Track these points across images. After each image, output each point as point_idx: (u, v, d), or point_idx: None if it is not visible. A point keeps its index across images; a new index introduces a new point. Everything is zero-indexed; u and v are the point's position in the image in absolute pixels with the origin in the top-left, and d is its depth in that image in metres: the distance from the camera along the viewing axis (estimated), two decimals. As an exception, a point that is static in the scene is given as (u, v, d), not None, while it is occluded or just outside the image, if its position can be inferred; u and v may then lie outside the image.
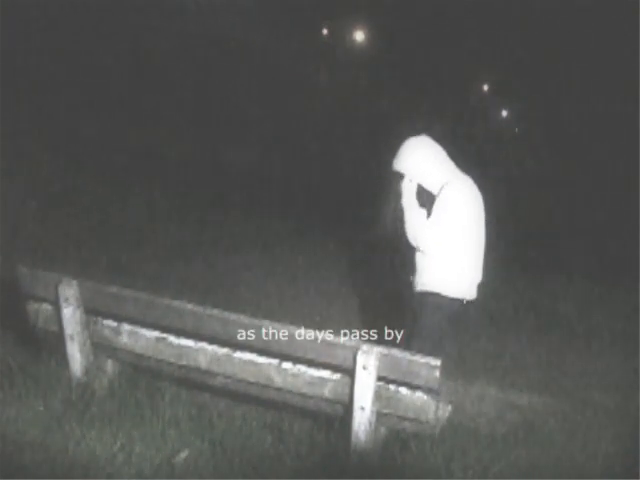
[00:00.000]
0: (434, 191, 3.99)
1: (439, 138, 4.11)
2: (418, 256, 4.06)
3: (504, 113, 39.80)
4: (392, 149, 4.13)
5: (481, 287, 4.12)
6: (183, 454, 3.52)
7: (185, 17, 22.52)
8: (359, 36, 33.79)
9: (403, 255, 4.17)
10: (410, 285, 4.12)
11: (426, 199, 4.02)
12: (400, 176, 4.05)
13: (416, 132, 4.15)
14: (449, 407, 3.82)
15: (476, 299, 4.11)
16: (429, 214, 4.00)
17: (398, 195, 4.06)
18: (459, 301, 4.02)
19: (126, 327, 3.96)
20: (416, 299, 4.08)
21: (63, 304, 3.93)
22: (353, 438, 3.53)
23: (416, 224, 4.00)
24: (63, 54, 15.25)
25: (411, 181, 4.04)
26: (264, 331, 3.63)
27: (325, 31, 32.72)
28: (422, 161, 4.01)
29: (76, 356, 4.00)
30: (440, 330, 4.02)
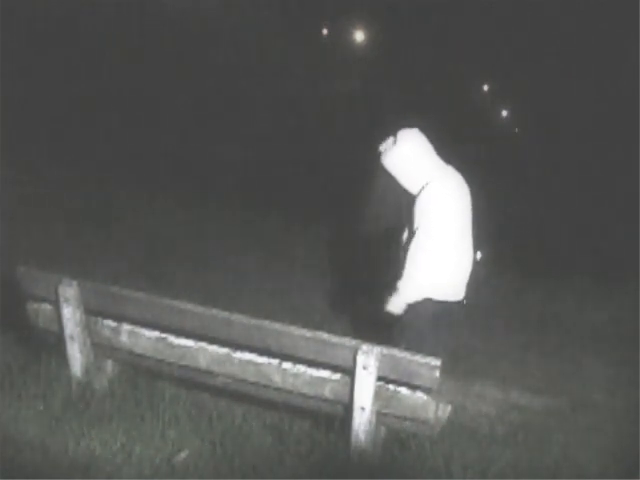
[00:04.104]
0: (414, 191, 3.89)
1: (431, 136, 4.04)
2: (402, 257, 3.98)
3: (504, 113, 39.80)
4: (383, 141, 4.02)
5: (469, 286, 4.09)
6: (183, 454, 3.52)
7: (183, 16, 22.51)
8: (359, 36, 33.79)
9: (387, 255, 4.14)
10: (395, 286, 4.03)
11: (404, 199, 3.93)
12: (385, 171, 3.94)
13: (408, 125, 4.02)
14: (449, 407, 3.82)
15: (463, 299, 4.07)
16: (408, 216, 3.91)
17: (382, 190, 4.00)
18: (444, 303, 3.97)
19: (126, 327, 3.96)
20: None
21: (63, 304, 3.93)
22: (353, 438, 3.53)
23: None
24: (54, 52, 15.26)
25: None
26: (264, 331, 3.63)
27: (325, 31, 32.72)
28: (405, 159, 3.87)
29: (76, 356, 4.01)
30: (425, 332, 3.96)
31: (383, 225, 4.09)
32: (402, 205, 3.97)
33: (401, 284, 3.90)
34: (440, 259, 3.87)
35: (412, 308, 3.96)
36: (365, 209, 4.12)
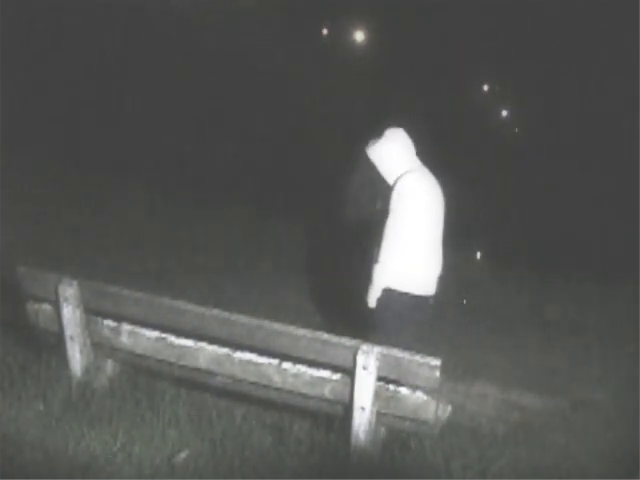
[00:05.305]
0: (390, 181, 4.02)
1: (417, 136, 4.14)
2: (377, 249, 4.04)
3: (504, 113, 39.78)
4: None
5: (440, 282, 4.10)
6: (183, 454, 3.52)
7: (182, 16, 22.51)
8: (359, 36, 33.78)
9: (364, 247, 4.16)
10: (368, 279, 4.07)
11: (380, 187, 4.05)
12: (367, 160, 4.10)
13: (394, 124, 4.19)
14: (449, 407, 3.81)
15: (434, 295, 4.09)
16: (383, 204, 4.01)
17: (363, 177, 4.09)
18: (415, 297, 4.00)
19: (126, 327, 3.96)
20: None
21: (63, 304, 3.93)
22: (353, 438, 3.53)
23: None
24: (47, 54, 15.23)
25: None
26: (264, 331, 3.63)
27: (325, 31, 32.70)
28: (385, 151, 4.06)
29: (76, 356, 4.01)
30: (398, 325, 3.99)
31: (362, 210, 4.15)
32: (380, 192, 4.08)
33: (374, 272, 3.97)
34: (410, 248, 3.94)
35: (385, 302, 3.99)
36: (346, 193, 4.19)
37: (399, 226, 3.93)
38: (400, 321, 4.00)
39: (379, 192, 4.08)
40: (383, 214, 4.02)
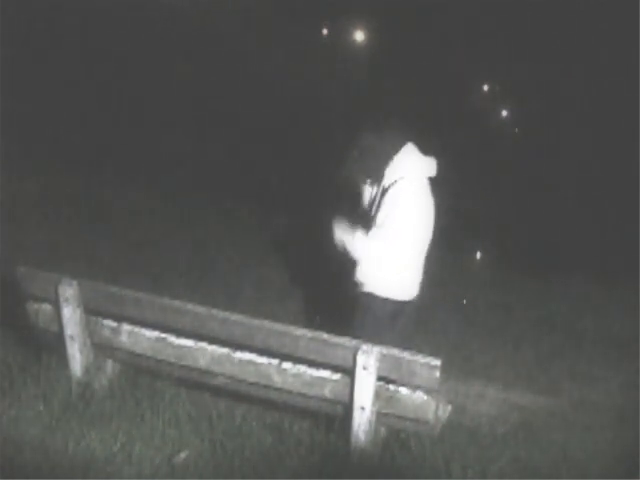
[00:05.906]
0: (386, 184, 4.00)
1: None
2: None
3: (504, 113, 39.79)
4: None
5: (422, 285, 4.10)
6: (183, 454, 3.53)
7: (182, 15, 22.51)
8: (359, 36, 33.78)
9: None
10: (352, 280, 4.08)
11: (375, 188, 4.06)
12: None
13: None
14: (449, 407, 3.82)
15: (414, 299, 4.09)
16: (374, 204, 4.00)
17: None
18: (397, 302, 4.01)
19: (126, 327, 3.97)
20: (355, 295, 4.09)
21: (63, 304, 3.93)
22: (353, 438, 3.54)
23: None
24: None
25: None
26: (264, 331, 3.64)
27: (325, 31, 32.69)
28: (406, 155, 4.02)
29: (76, 356, 4.01)
30: (376, 328, 3.99)
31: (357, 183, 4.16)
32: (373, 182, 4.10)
33: (360, 237, 3.93)
34: (396, 254, 3.92)
35: (367, 306, 4.01)
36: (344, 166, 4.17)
37: (387, 229, 3.89)
38: (383, 325, 4.01)
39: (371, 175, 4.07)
40: (370, 214, 4.02)
